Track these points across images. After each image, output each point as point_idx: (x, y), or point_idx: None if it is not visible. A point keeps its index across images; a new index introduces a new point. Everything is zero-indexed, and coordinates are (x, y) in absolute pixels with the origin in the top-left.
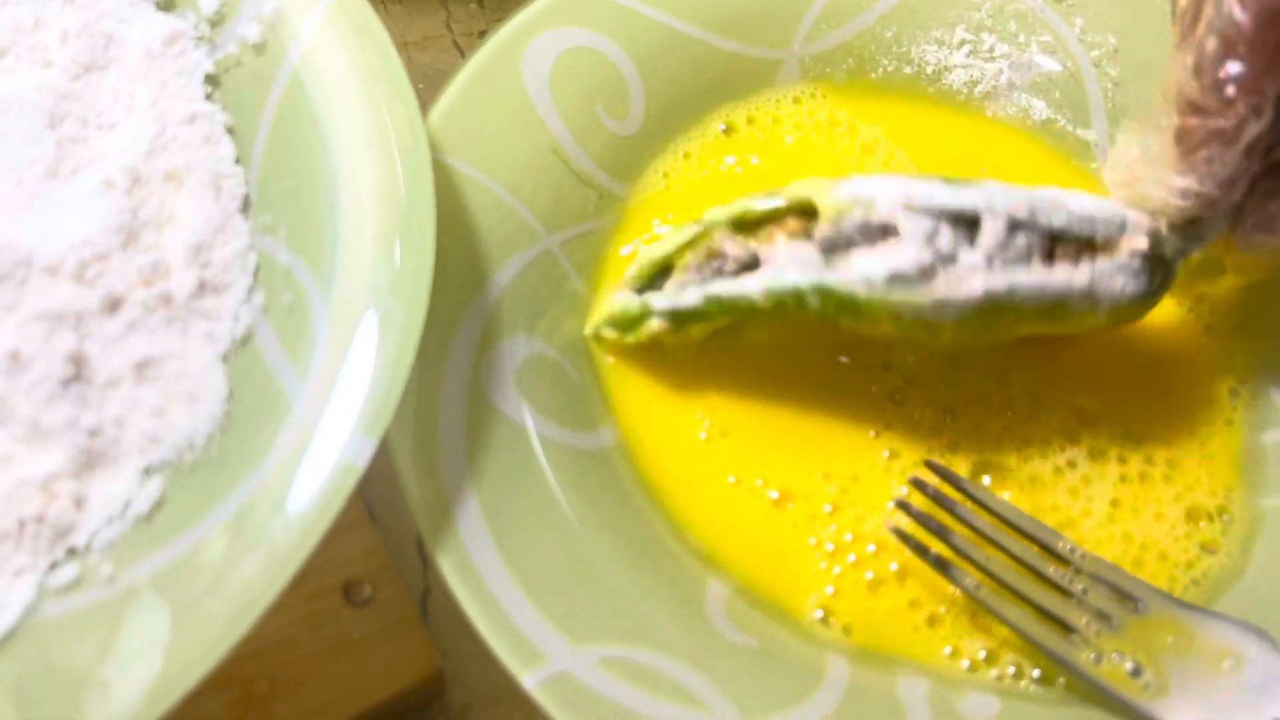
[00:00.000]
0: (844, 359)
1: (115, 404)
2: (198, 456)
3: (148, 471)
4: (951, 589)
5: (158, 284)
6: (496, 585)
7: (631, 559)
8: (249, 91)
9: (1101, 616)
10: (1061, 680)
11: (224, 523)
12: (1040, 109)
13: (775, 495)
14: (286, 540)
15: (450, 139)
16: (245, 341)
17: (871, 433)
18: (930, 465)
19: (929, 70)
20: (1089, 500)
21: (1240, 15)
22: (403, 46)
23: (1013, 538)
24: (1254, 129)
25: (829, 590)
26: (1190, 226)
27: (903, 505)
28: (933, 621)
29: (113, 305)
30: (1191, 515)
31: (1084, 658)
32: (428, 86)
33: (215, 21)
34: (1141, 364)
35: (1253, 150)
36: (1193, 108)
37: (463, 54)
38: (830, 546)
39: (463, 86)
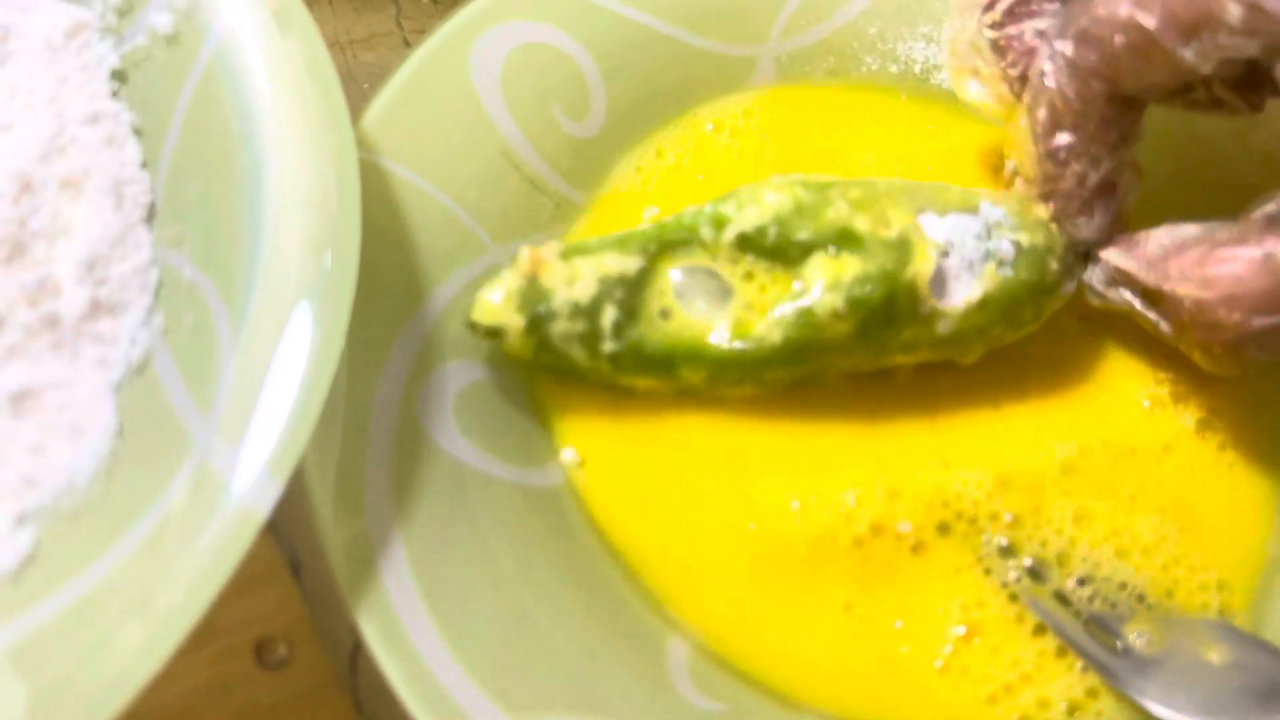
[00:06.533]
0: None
1: None
2: (78, 502)
3: (20, 520)
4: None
5: (44, 304)
6: (424, 646)
7: (581, 613)
8: (159, 88)
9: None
10: None
11: (101, 581)
12: None
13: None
14: (172, 601)
15: (388, 140)
16: (141, 369)
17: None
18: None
19: (916, 69)
20: None
21: (1066, 88)
22: (348, 44)
23: None
24: (1094, 179)
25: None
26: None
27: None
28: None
29: None
30: None
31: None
32: (374, 86)
33: (123, 11)
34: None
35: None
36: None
37: None
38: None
39: (404, 83)
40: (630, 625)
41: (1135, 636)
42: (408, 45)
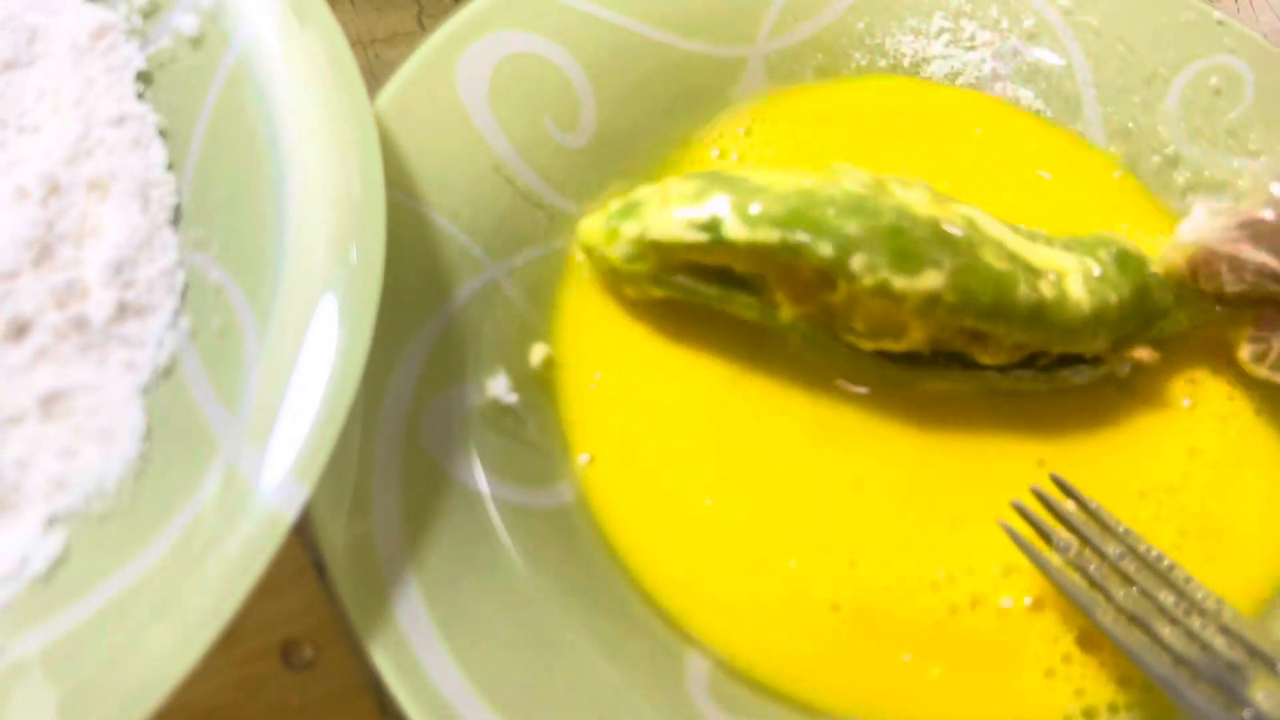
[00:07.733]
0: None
1: (17, 443)
2: (108, 505)
3: (51, 522)
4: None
5: (72, 306)
6: (440, 677)
7: (596, 634)
8: (184, 90)
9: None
10: None
11: (132, 583)
12: (1028, 98)
13: (769, 550)
14: (201, 604)
15: None
16: (168, 372)
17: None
18: (1055, 479)
19: (905, 63)
20: None
21: None
22: (370, 43)
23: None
24: None
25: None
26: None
27: (1020, 509)
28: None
29: (19, 330)
30: None
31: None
32: None
33: (148, 13)
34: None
35: None
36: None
37: None
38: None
39: (389, 101)
40: (647, 643)
41: (1263, 698)
42: None
